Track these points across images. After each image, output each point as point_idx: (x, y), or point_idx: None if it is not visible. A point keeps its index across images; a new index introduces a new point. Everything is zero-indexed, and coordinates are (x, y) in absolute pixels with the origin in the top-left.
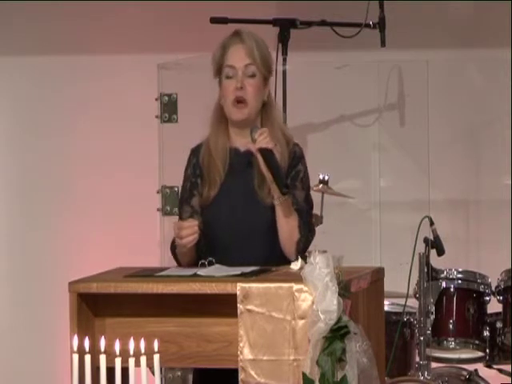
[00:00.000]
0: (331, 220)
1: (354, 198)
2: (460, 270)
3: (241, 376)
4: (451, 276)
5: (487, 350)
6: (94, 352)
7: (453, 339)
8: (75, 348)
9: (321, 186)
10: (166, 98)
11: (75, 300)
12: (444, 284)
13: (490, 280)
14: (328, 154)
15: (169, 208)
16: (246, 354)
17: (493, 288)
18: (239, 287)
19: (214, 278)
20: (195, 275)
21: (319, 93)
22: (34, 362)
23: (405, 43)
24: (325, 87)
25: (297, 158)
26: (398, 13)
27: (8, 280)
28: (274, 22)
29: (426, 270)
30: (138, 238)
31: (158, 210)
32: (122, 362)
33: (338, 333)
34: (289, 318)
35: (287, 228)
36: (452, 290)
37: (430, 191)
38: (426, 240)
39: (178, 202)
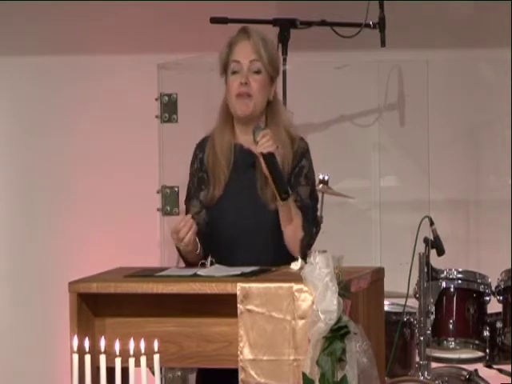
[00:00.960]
0: (331, 220)
1: (354, 197)
2: (460, 270)
3: (241, 376)
4: (451, 276)
5: (487, 350)
6: (94, 352)
7: (453, 339)
8: (75, 348)
9: (321, 186)
10: (166, 97)
11: (75, 300)
12: (444, 284)
13: (489, 280)
14: (328, 154)
15: (169, 208)
16: (246, 353)
17: (493, 288)
18: (239, 287)
19: (214, 278)
20: (195, 275)
21: (319, 93)
22: (34, 362)
23: (405, 43)
24: (325, 87)
25: (301, 153)
26: (398, 13)
27: (8, 280)
28: (274, 22)
29: (426, 270)
30: (138, 237)
31: (158, 210)
32: (122, 362)
33: (337, 333)
34: (289, 318)
35: (291, 228)
36: (452, 290)
37: (430, 191)
38: (425, 240)
39: (184, 197)
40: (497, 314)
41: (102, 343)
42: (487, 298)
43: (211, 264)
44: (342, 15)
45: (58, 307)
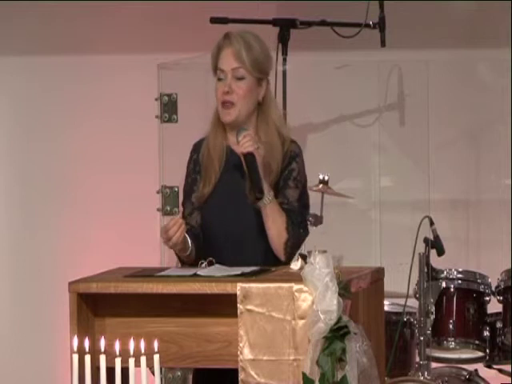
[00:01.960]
0: (331, 220)
1: (353, 197)
2: (460, 269)
3: (241, 376)
4: (451, 276)
5: (487, 350)
6: (94, 352)
7: (453, 339)
8: (75, 348)
9: (321, 185)
10: (166, 97)
11: (75, 300)
12: (444, 284)
13: (489, 280)
14: (328, 154)
15: (169, 208)
16: (246, 354)
17: (493, 288)
18: (239, 287)
19: (213, 278)
20: (195, 275)
21: (319, 93)
22: (34, 362)
23: (405, 43)
24: (325, 87)
25: (291, 156)
26: (398, 13)
27: (8, 280)
28: (274, 22)
29: (426, 270)
30: (138, 237)
31: (158, 210)
32: (122, 362)
33: (337, 333)
34: (289, 318)
35: (274, 229)
36: (452, 290)
37: (430, 191)
38: (426, 240)
39: (182, 198)
40: (497, 314)
41: (102, 343)
42: (487, 298)
43: (211, 264)
44: (342, 15)
45: (58, 307)
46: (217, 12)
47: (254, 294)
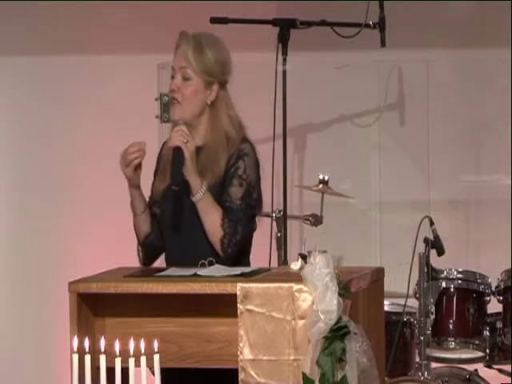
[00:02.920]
0: (331, 220)
1: (353, 197)
2: (460, 269)
3: (241, 376)
4: (451, 276)
5: (487, 350)
6: (94, 352)
7: (453, 339)
8: (75, 348)
9: (321, 185)
10: (166, 98)
11: (75, 300)
12: (444, 284)
13: (489, 280)
14: (328, 154)
15: None
16: (246, 354)
17: (493, 288)
18: (239, 287)
19: (213, 278)
20: (195, 275)
21: (319, 93)
22: (34, 362)
23: (405, 43)
24: (325, 87)
25: (239, 155)
26: (398, 13)
27: (8, 280)
28: (274, 22)
29: (426, 270)
30: None
31: None
32: (122, 362)
33: (337, 333)
34: (289, 317)
35: (209, 225)
36: (452, 290)
37: (430, 191)
38: (426, 240)
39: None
40: (497, 314)
41: (102, 343)
42: (487, 298)
43: (211, 264)
44: (342, 15)
45: (58, 307)
46: (217, 12)
47: (254, 294)
